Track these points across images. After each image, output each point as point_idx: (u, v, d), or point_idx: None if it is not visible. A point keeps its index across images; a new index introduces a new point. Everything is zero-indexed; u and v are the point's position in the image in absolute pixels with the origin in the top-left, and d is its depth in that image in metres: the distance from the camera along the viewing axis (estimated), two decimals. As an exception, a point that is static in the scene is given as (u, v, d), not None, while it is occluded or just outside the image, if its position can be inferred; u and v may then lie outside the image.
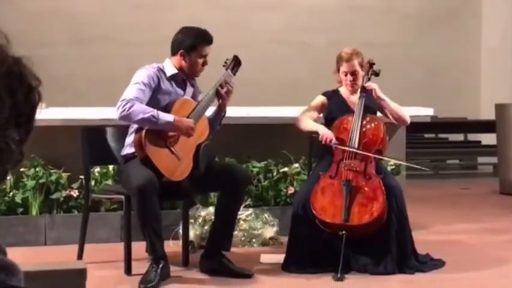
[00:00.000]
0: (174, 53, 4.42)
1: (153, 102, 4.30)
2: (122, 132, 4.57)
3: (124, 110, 4.17)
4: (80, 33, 10.97)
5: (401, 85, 10.67)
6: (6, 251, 1.15)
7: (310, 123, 4.71)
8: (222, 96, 4.44)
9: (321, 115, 4.88)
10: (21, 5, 10.79)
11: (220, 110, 4.52)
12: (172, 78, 4.42)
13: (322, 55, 10.89)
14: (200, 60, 4.40)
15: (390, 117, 4.82)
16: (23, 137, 1.12)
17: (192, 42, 4.36)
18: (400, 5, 11.97)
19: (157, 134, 4.24)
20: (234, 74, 4.57)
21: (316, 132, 4.62)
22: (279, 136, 5.73)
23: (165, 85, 4.40)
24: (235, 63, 4.58)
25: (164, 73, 4.41)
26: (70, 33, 10.95)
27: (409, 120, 4.88)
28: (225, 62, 4.55)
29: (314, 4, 11.66)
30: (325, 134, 4.56)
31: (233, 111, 4.89)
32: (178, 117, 4.26)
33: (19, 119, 1.11)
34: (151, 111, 4.17)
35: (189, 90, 4.52)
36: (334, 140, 4.55)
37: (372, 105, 4.76)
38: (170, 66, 4.43)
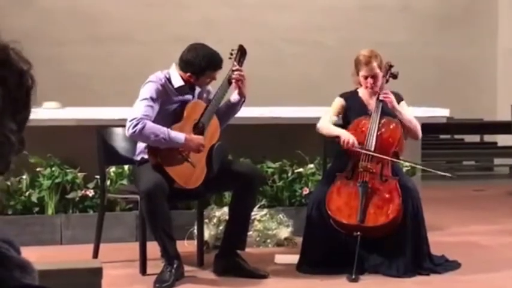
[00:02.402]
0: (182, 69, 4.39)
1: (163, 112, 4.30)
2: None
3: (135, 132, 4.17)
4: (96, 32, 11.01)
5: (416, 85, 10.62)
6: (20, 249, 1.16)
7: (331, 128, 4.65)
8: (236, 83, 4.44)
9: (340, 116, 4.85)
10: (37, 4, 10.85)
11: (240, 96, 4.50)
12: (179, 88, 4.41)
13: (336, 54, 10.90)
14: (208, 80, 4.43)
15: (404, 130, 4.78)
16: (21, 125, 1.10)
17: (201, 69, 4.34)
18: (414, 3, 11.93)
19: None
20: (241, 65, 4.51)
21: (338, 137, 4.57)
22: (293, 136, 5.72)
23: (173, 95, 4.39)
24: (241, 54, 4.53)
25: (171, 83, 4.40)
26: (86, 32, 11.00)
27: (420, 136, 4.82)
28: (231, 54, 4.52)
29: (328, 2, 11.64)
30: (347, 138, 4.52)
31: (248, 111, 4.89)
32: (188, 135, 4.26)
33: (15, 106, 1.09)
34: (161, 134, 4.17)
35: (197, 90, 4.51)
36: (356, 144, 4.51)
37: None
38: (177, 78, 4.39)
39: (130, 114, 4.23)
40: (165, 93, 4.34)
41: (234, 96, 4.52)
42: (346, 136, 4.52)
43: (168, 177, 4.17)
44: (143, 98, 4.28)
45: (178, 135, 4.22)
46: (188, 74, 4.36)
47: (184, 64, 4.37)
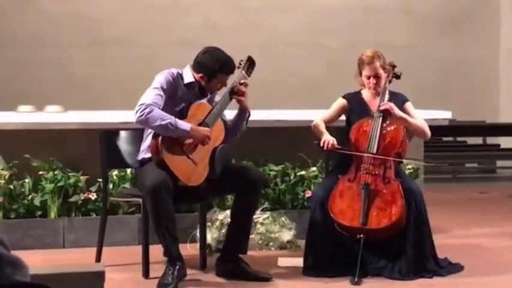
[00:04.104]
0: (195, 70, 4.44)
1: (169, 107, 4.32)
2: (140, 135, 4.59)
3: (142, 115, 4.19)
4: (99, 35, 11.03)
5: (419, 87, 10.62)
6: (9, 247, 1.15)
7: (319, 127, 4.68)
8: (238, 100, 4.46)
9: (343, 117, 4.85)
10: (41, 7, 10.87)
11: (243, 111, 4.53)
12: (189, 85, 4.44)
13: (339, 56, 10.92)
14: (218, 85, 4.46)
15: (412, 132, 4.79)
16: None
17: (214, 72, 4.38)
18: (416, 6, 11.93)
19: (174, 140, 4.26)
20: (249, 75, 4.56)
21: (319, 138, 4.60)
22: (296, 139, 5.72)
23: (182, 91, 4.42)
24: (249, 64, 4.58)
25: (182, 79, 4.44)
26: (89, 35, 11.02)
27: (429, 135, 4.80)
28: (239, 63, 4.56)
29: (330, 5, 11.65)
30: (327, 140, 4.54)
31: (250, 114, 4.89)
32: (194, 125, 4.28)
33: None
34: (169, 119, 4.20)
35: (205, 98, 4.53)
36: (335, 145, 4.53)
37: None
38: (189, 75, 4.45)
39: (140, 100, 4.27)
40: (175, 86, 4.38)
41: (237, 113, 4.56)
42: (327, 138, 4.54)
43: (171, 175, 4.18)
44: (154, 86, 4.34)
45: (184, 123, 4.26)
46: (200, 74, 4.40)
47: (198, 65, 4.42)
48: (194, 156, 4.30)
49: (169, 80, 4.38)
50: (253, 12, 11.44)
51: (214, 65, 4.37)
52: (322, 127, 4.67)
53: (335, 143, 4.53)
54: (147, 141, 4.40)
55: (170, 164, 4.21)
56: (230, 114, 4.61)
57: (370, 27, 11.63)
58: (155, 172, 4.18)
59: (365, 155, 4.55)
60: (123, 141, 4.74)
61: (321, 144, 4.54)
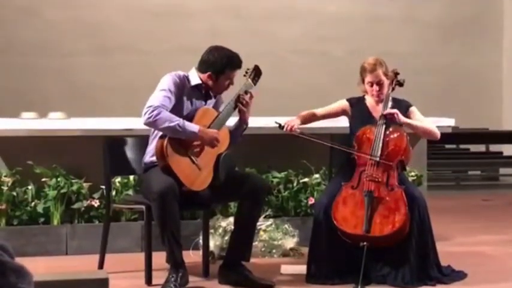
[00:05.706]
0: (201, 71, 4.44)
1: (175, 110, 4.32)
2: (143, 142, 4.60)
3: (151, 117, 4.20)
4: (101, 42, 11.06)
5: (422, 95, 10.62)
6: (13, 254, 1.15)
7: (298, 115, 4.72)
8: (240, 110, 4.47)
9: (347, 124, 4.85)
10: (43, 15, 10.90)
11: (242, 122, 4.54)
12: (196, 87, 4.45)
13: (342, 64, 10.94)
14: (226, 82, 4.45)
15: (421, 136, 4.79)
16: None
17: (221, 67, 4.39)
18: (420, 14, 11.95)
19: (179, 143, 4.26)
20: (255, 84, 4.58)
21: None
22: (299, 146, 5.72)
23: (189, 94, 4.42)
24: (255, 73, 4.60)
25: (189, 81, 4.44)
26: (91, 43, 11.05)
27: (439, 134, 4.80)
28: (246, 72, 4.57)
29: (334, 13, 11.67)
30: (288, 121, 4.58)
31: (253, 122, 4.89)
32: (203, 128, 4.28)
33: None
34: (177, 121, 4.20)
35: (211, 101, 4.54)
36: (296, 128, 4.56)
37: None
38: (195, 77, 4.45)
39: (148, 102, 4.27)
40: (181, 88, 4.38)
41: (236, 122, 4.56)
42: (290, 121, 4.60)
43: (176, 180, 4.19)
44: (161, 88, 4.33)
45: (192, 125, 4.26)
46: (208, 73, 4.41)
47: (205, 64, 4.42)
48: (199, 162, 4.31)
49: (177, 81, 4.38)
50: (256, 20, 11.46)
51: (221, 60, 4.38)
52: (301, 115, 4.72)
53: (296, 127, 4.56)
54: (153, 143, 4.40)
55: (175, 168, 4.21)
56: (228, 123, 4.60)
57: (373, 35, 11.65)
58: (163, 177, 4.18)
59: (331, 145, 4.58)
60: (126, 148, 4.74)
61: (282, 125, 4.57)
